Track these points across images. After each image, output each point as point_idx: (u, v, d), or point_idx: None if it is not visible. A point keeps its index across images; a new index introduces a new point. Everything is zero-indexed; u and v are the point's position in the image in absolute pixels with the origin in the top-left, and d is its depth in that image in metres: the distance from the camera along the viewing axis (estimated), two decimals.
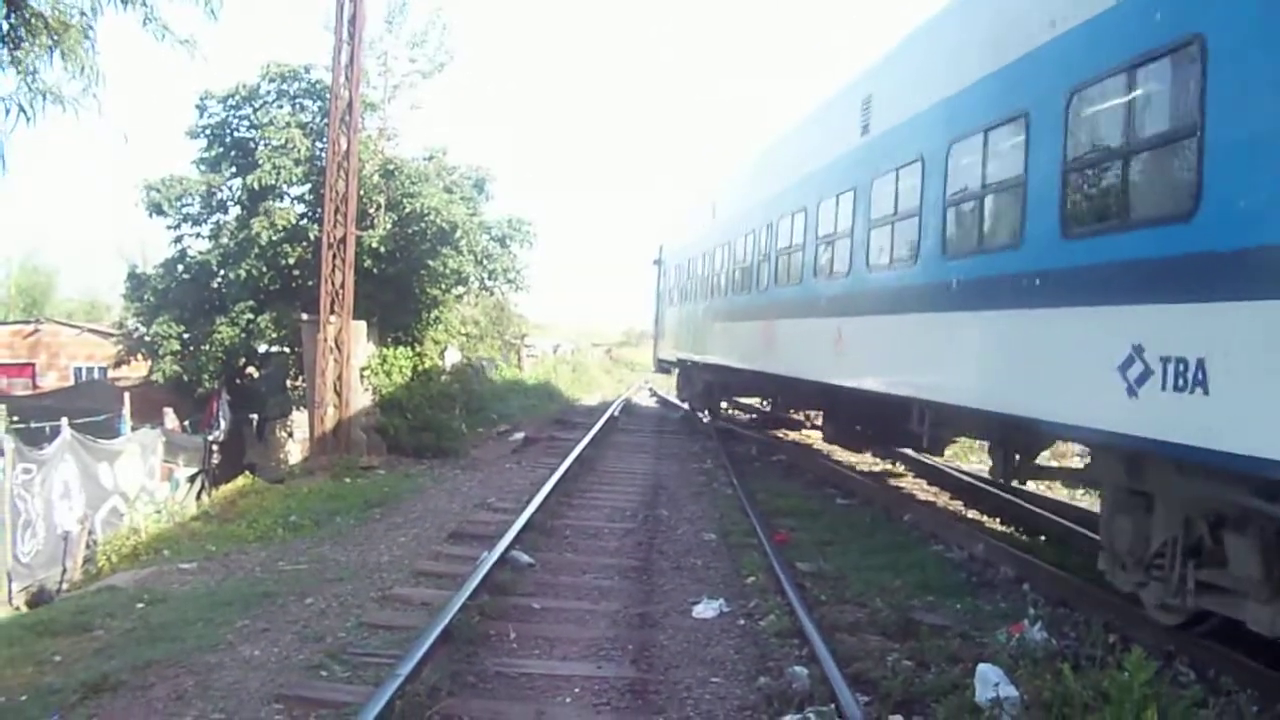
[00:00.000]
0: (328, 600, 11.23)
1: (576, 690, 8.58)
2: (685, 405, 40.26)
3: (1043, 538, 15.17)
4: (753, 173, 25.33)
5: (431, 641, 8.78)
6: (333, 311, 24.63)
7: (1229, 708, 6.95)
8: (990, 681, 8.00)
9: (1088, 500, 17.76)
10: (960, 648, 9.63)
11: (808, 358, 18.80)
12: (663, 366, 44.78)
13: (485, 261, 32.34)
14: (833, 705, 7.89)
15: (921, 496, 19.01)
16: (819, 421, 29.60)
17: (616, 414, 37.52)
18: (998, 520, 16.83)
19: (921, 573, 12.87)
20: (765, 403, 33.45)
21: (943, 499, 19.02)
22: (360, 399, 25.92)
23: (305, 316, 26.19)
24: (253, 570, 13.26)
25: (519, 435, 31.30)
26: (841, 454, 25.41)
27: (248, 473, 25.93)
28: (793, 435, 30.04)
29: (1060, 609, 11.32)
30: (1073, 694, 7.36)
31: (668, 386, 59.64)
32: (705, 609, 11.12)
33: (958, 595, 11.96)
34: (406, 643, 9.10)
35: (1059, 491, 18.93)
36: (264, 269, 29.49)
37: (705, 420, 34.25)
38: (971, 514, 17.43)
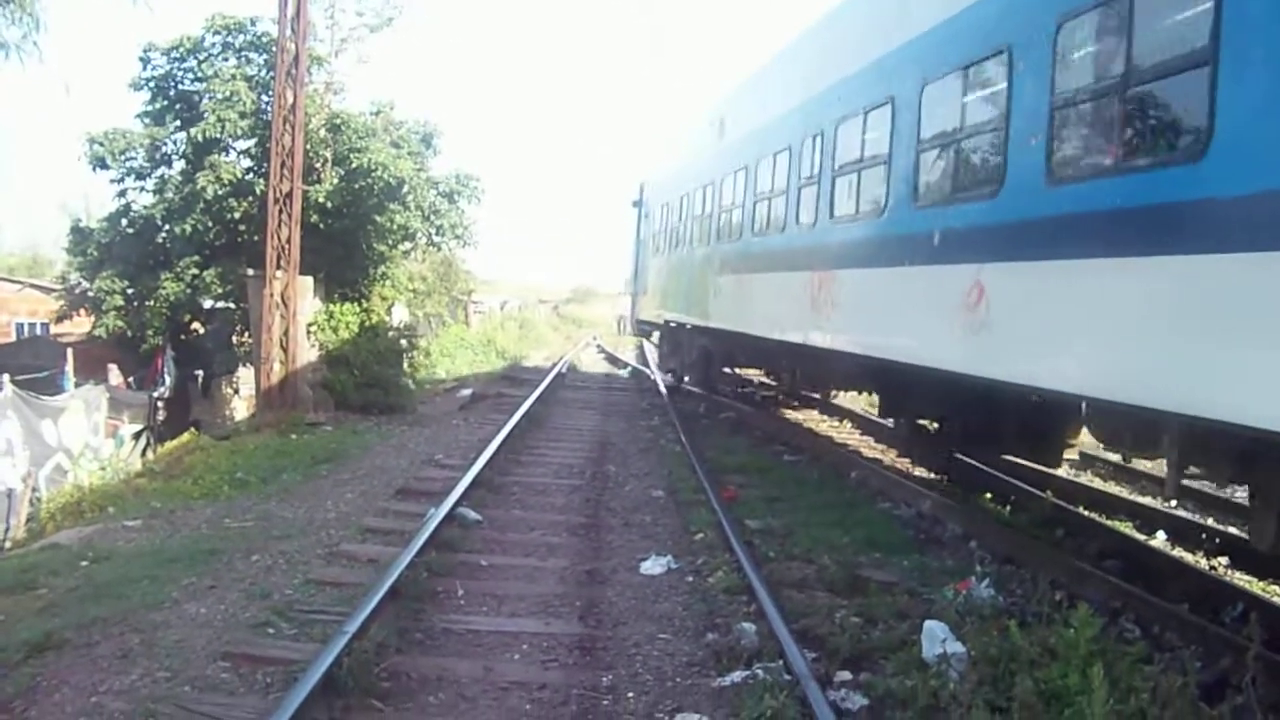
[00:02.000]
0: (274, 557, 11.12)
1: (524, 647, 8.56)
2: (666, 378, 32.50)
3: (989, 495, 15.23)
4: (788, 68, 18.79)
5: (379, 598, 8.70)
6: (279, 267, 24.35)
7: (1173, 664, 7.01)
8: (937, 638, 8.03)
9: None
10: (907, 604, 9.68)
11: (908, 330, 12.66)
12: (643, 329, 37.14)
13: (432, 217, 32.15)
14: (780, 662, 7.90)
15: (868, 454, 19.07)
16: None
17: (564, 371, 37.47)
18: (945, 477, 16.92)
19: (869, 530, 12.96)
20: (770, 376, 27.68)
21: (890, 456, 19.10)
22: (307, 355, 25.69)
23: (251, 272, 25.90)
24: (199, 527, 13.10)
25: (466, 392, 31.23)
26: (789, 411, 25.45)
27: (193, 429, 25.73)
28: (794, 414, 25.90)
29: (1007, 566, 11.41)
30: (1019, 650, 7.41)
31: (616, 343, 59.76)
32: (653, 565, 11.13)
33: (905, 552, 12.05)
34: (354, 600, 9.05)
35: None
36: (209, 224, 29.05)
37: (661, 382, 33.63)
38: (919, 471, 17.50)
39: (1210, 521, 14.24)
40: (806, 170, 16.23)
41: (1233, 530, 13.58)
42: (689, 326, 26.36)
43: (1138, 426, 9.57)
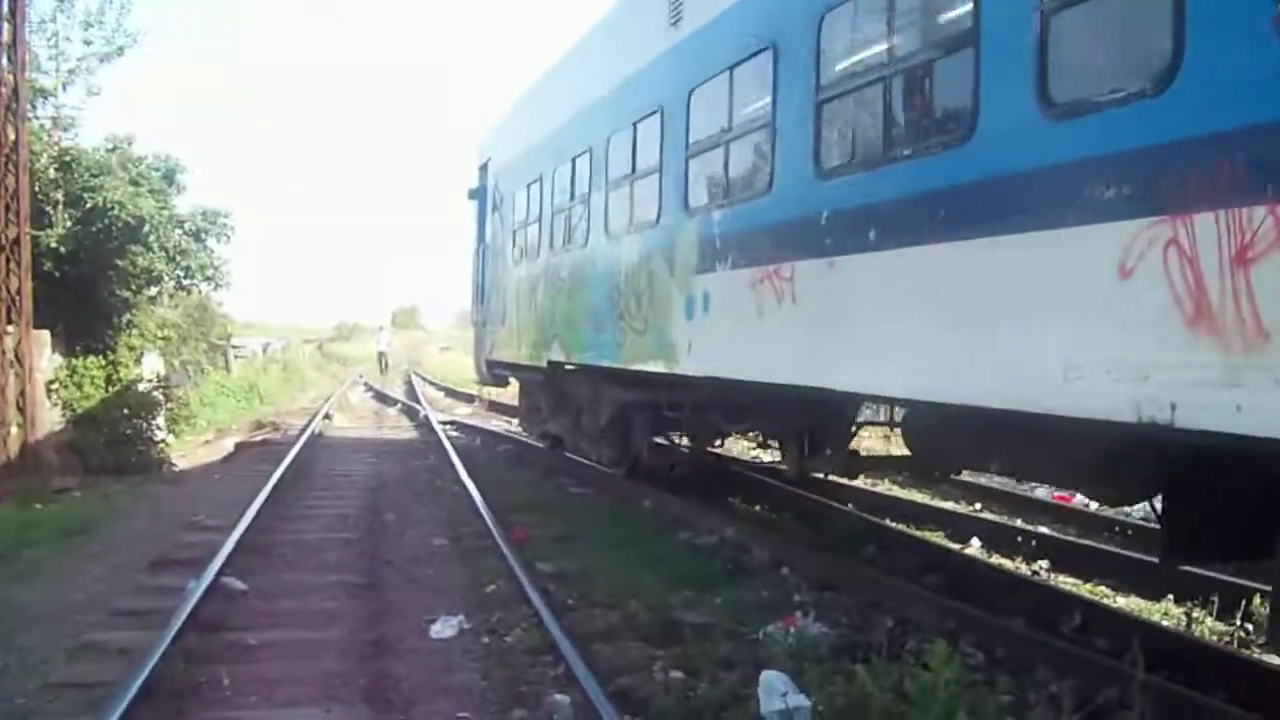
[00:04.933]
0: (7, 656, 9.60)
1: None
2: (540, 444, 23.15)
3: (790, 515, 14.59)
4: None
5: (127, 703, 7.45)
6: (10, 321, 22.53)
7: (1049, 705, 6.27)
8: (777, 690, 7.12)
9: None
10: (731, 650, 8.85)
11: None
12: (497, 375, 24.71)
13: (179, 258, 30.38)
14: None
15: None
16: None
17: (331, 413, 36.09)
18: (740, 499, 16.25)
19: (674, 564, 12.18)
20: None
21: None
22: (49, 416, 23.90)
23: None
24: None
25: (229, 442, 29.76)
26: None
27: None
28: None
29: (826, 592, 10.76)
30: (870, 697, 6.58)
31: (382, 381, 58.39)
32: (444, 627, 9.98)
33: (715, 587, 11.25)
34: (100, 704, 7.73)
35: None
36: None
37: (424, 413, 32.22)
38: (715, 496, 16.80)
39: (1019, 523, 13.88)
40: None
41: (1044, 530, 13.28)
42: (602, 372, 16.47)
43: None
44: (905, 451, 11.64)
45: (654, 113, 13.38)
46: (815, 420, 12.61)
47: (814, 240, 9.53)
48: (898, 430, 11.75)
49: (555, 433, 21.14)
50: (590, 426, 18.25)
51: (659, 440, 17.79)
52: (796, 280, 9.81)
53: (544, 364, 18.96)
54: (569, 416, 19.57)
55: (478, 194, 25.03)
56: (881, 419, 13.80)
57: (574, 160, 16.97)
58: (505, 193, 22.35)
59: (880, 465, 14.33)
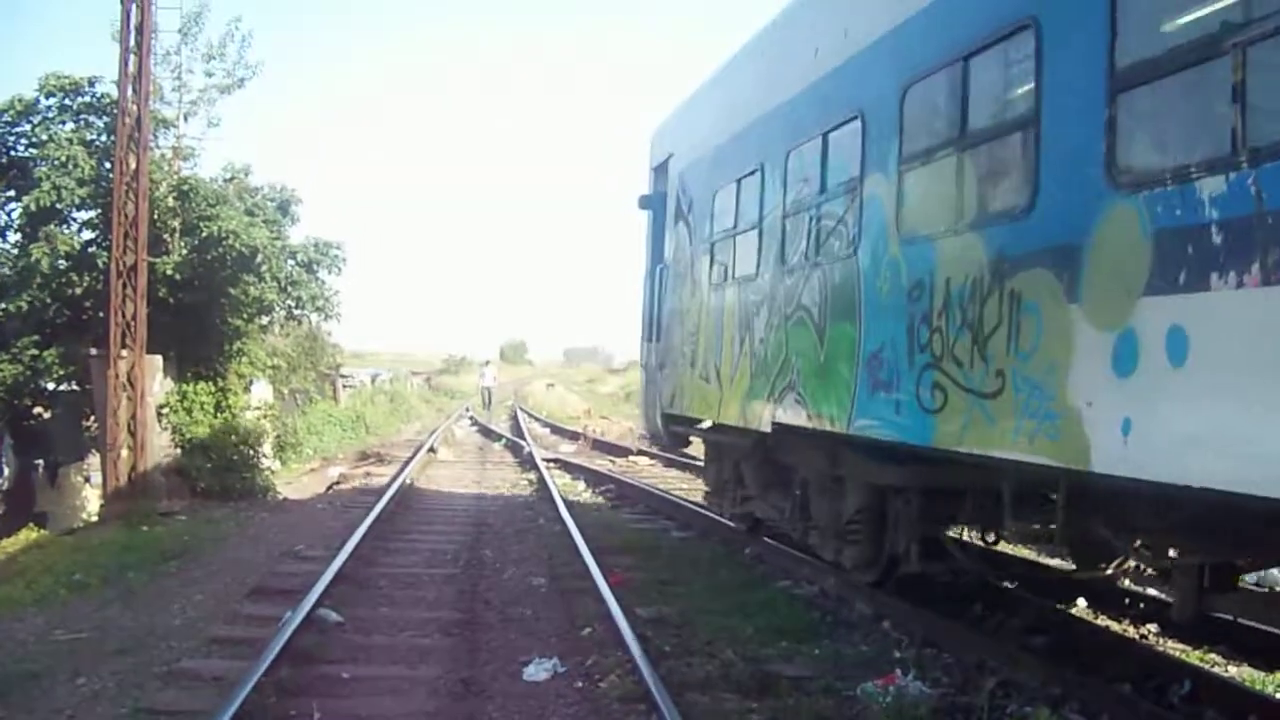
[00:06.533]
0: (103, 679, 9.64)
1: None
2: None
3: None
4: None
5: None
6: (124, 345, 22.86)
7: None
8: None
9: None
10: (826, 706, 8.61)
11: None
12: (675, 433, 18.52)
13: (290, 288, 30.55)
14: None
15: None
16: None
17: (435, 446, 36.22)
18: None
19: (772, 614, 11.91)
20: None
21: None
22: (159, 440, 24.18)
23: (94, 351, 24.33)
24: (25, 641, 11.56)
25: (334, 471, 29.95)
26: (671, 483, 24.45)
27: (33, 524, 24.05)
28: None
29: (927, 649, 10.42)
30: None
31: (488, 416, 58.57)
32: (537, 670, 9.85)
33: (814, 639, 10.99)
34: None
35: None
36: (48, 300, 27.03)
37: (528, 449, 32.21)
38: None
39: (1128, 583, 13.41)
40: None
41: (1152, 591, 12.81)
42: (844, 439, 11.32)
43: None
44: None
45: (1013, 33, 8.19)
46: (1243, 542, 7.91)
47: None
48: None
49: (764, 516, 15.76)
50: (824, 515, 13.10)
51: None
52: None
53: (765, 427, 13.20)
54: (786, 497, 14.43)
55: (652, 202, 19.09)
56: None
57: (826, 136, 11.75)
58: (697, 195, 16.55)
59: None
